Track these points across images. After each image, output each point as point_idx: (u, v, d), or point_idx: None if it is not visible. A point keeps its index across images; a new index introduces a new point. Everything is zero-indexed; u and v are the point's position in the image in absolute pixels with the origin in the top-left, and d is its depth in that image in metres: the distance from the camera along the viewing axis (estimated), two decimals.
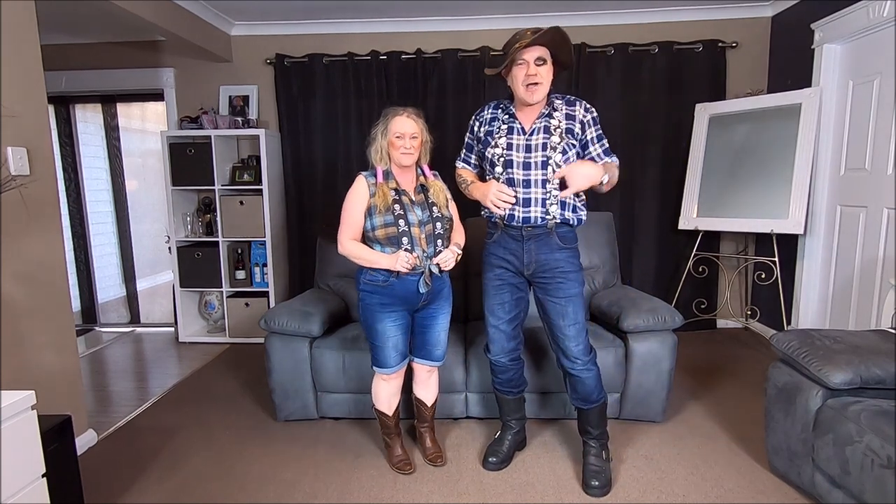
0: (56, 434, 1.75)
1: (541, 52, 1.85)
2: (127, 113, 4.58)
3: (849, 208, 3.18)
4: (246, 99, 4.10)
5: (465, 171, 2.20)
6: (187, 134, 3.88)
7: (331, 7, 3.68)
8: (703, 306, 4.03)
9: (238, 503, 2.02)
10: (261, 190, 3.85)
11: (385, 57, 3.93)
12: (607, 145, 2.02)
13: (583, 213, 2.04)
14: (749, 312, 4.02)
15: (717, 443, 2.37)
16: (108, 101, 4.44)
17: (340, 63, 3.96)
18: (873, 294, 2.96)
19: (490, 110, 2.08)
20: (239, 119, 3.96)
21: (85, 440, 2.43)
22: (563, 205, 1.97)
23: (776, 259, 3.48)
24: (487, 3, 3.65)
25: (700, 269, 3.93)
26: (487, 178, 2.07)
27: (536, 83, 1.86)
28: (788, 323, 3.55)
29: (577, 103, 1.99)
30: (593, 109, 2.00)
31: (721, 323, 4.13)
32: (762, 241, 3.83)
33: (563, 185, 1.90)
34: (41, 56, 2.23)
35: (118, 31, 3.83)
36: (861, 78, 3.08)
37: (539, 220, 1.96)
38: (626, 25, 3.88)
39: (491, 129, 2.04)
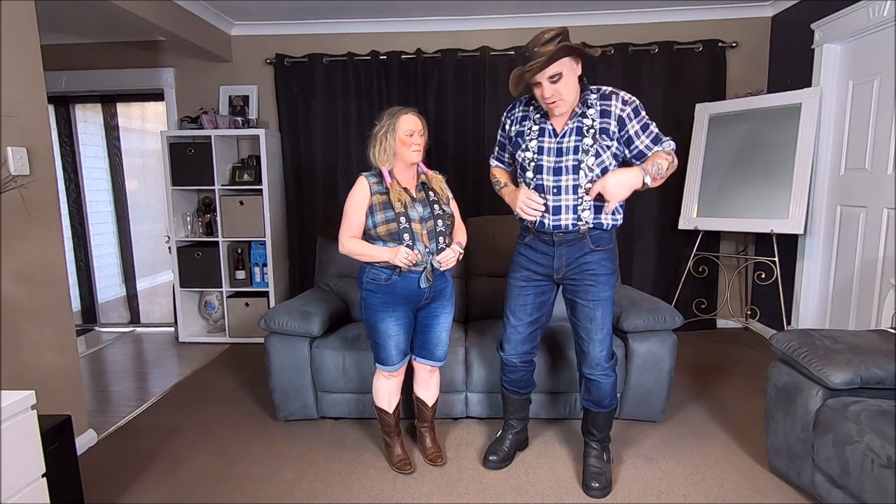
0: (56, 434, 1.75)
1: (552, 69, 1.74)
2: (127, 113, 4.58)
3: (849, 208, 3.18)
4: (246, 99, 4.10)
5: (498, 171, 2.17)
6: (187, 134, 3.88)
7: (331, 7, 3.68)
8: (703, 306, 4.03)
9: (238, 503, 2.02)
10: (261, 190, 3.85)
11: (385, 57, 3.93)
12: (656, 131, 1.86)
13: (619, 216, 1.95)
14: (749, 312, 4.02)
15: (717, 443, 2.37)
16: (108, 100, 4.44)
17: (340, 63, 3.96)
18: (873, 294, 2.96)
19: (521, 108, 1.99)
20: (239, 119, 3.96)
21: (85, 440, 2.43)
22: (596, 209, 1.88)
23: (776, 259, 3.48)
24: (487, 3, 3.65)
25: (700, 269, 3.93)
26: (519, 180, 2.02)
27: (554, 101, 1.79)
28: (788, 323, 3.55)
29: (614, 97, 1.84)
30: (634, 100, 1.85)
31: (721, 323, 4.13)
32: (762, 241, 3.83)
33: (601, 198, 1.82)
34: (41, 56, 2.23)
35: (118, 31, 3.83)
36: (861, 78, 3.08)
37: (570, 226, 1.89)
38: (626, 25, 3.88)
39: (522, 129, 1.95)
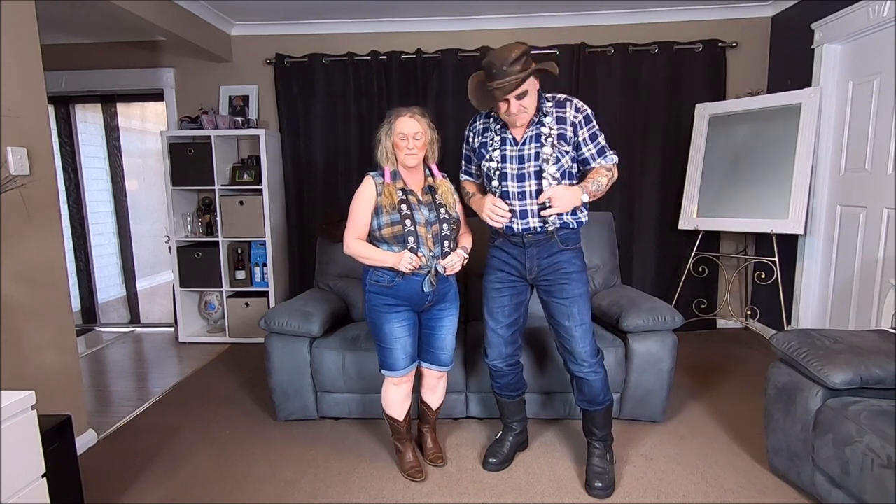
0: (56, 434, 1.75)
1: (520, 89, 1.81)
2: (127, 113, 4.58)
3: (849, 208, 3.18)
4: (246, 99, 4.10)
5: (467, 184, 2.21)
6: (187, 134, 3.88)
7: (331, 7, 3.68)
8: (703, 306, 4.02)
9: (238, 503, 2.02)
10: (261, 190, 3.85)
11: (385, 57, 3.93)
12: (603, 143, 1.96)
13: (583, 215, 2.01)
14: (749, 312, 4.02)
15: (717, 443, 2.37)
16: (108, 101, 4.44)
17: (340, 63, 3.96)
18: (873, 294, 2.96)
19: (482, 120, 2.07)
20: (239, 119, 3.96)
21: (85, 440, 2.43)
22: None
23: (776, 259, 3.48)
24: (487, 3, 3.65)
25: (700, 269, 3.93)
26: (487, 189, 2.06)
27: (518, 116, 1.87)
28: (788, 323, 3.55)
29: (568, 104, 1.93)
30: (586, 108, 1.94)
31: (721, 323, 4.13)
32: (762, 241, 3.83)
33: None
34: (41, 56, 2.23)
35: (118, 31, 3.83)
36: (861, 78, 3.08)
37: (538, 228, 1.95)
38: (626, 25, 3.87)
39: (485, 140, 2.03)
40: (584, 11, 3.83)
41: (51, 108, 4.23)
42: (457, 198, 2.12)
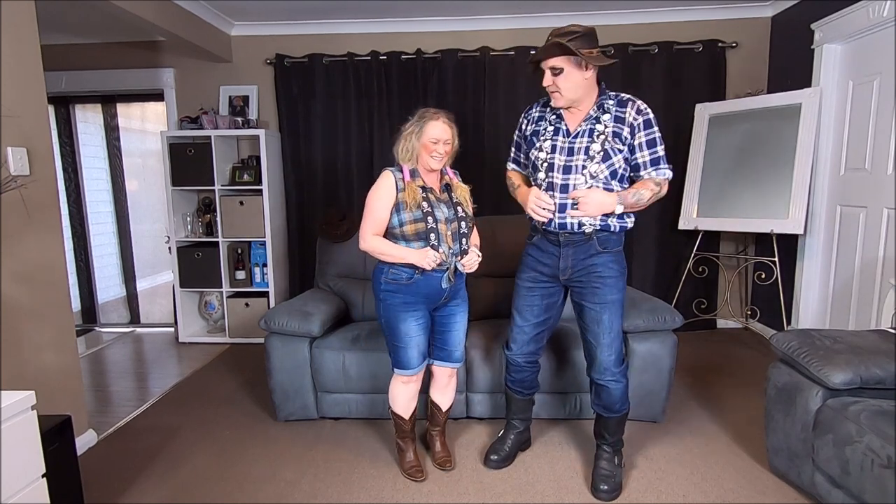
0: (56, 434, 1.75)
1: (553, 62, 1.80)
2: (127, 113, 4.58)
3: (849, 208, 3.18)
4: (246, 99, 4.10)
5: (514, 175, 2.17)
6: (187, 134, 3.88)
7: (331, 7, 3.68)
8: (703, 306, 4.02)
9: (238, 503, 2.02)
10: (261, 190, 3.85)
11: (385, 57, 3.93)
12: (660, 153, 1.88)
13: (629, 220, 1.95)
14: (749, 312, 4.02)
15: (717, 443, 2.37)
16: (108, 101, 4.44)
17: (340, 63, 3.96)
18: (873, 294, 2.96)
19: (538, 108, 2.03)
20: (239, 119, 3.96)
21: (85, 440, 2.43)
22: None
23: (776, 259, 3.48)
24: (487, 3, 3.65)
25: (700, 269, 3.93)
26: (532, 181, 2.03)
27: (552, 92, 1.85)
28: (788, 323, 3.55)
29: (629, 104, 1.88)
30: (648, 112, 1.88)
31: (721, 323, 4.13)
32: (762, 241, 3.83)
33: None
34: (41, 56, 2.23)
35: (118, 31, 3.83)
36: (861, 78, 3.08)
37: (576, 226, 1.89)
38: (626, 25, 3.88)
39: (538, 128, 1.99)
40: (584, 11, 3.83)
41: (51, 108, 4.22)
42: (470, 198, 2.10)
